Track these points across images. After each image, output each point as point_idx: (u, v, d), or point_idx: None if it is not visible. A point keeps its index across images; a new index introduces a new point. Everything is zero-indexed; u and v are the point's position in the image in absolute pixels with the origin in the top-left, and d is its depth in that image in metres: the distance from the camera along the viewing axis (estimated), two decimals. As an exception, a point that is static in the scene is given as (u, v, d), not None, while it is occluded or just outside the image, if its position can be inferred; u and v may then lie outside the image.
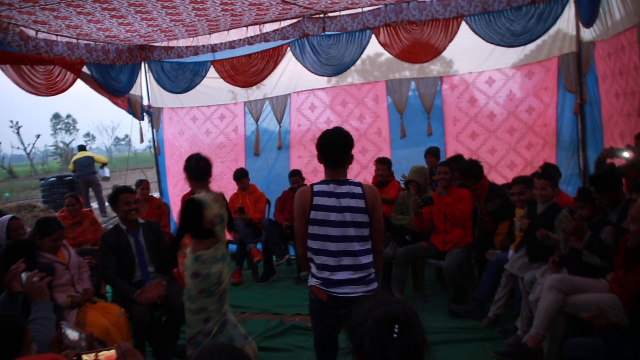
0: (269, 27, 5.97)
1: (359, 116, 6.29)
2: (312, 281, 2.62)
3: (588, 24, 4.69)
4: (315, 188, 2.59)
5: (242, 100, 6.78)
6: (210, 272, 3.11)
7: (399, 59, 5.70)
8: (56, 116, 50.25)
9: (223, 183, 6.73)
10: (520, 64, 5.62)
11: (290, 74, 6.32)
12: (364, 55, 5.85)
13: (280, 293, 5.35)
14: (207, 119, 6.91)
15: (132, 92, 6.51)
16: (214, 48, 6.26)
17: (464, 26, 5.31)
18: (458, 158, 5.27)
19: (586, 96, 5.09)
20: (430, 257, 4.69)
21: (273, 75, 6.24)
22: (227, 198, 4.43)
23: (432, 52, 5.46)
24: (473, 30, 5.29)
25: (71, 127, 50.70)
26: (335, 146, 2.57)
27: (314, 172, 6.26)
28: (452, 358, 3.55)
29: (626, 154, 3.84)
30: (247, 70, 6.19)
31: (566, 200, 4.04)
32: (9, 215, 3.96)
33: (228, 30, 6.07)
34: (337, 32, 5.75)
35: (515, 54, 5.55)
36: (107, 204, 9.76)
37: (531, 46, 5.40)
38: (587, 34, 4.93)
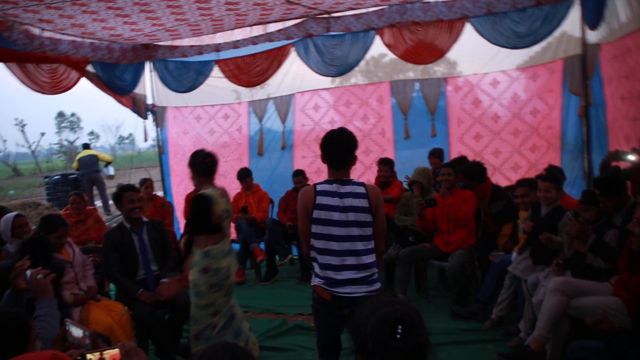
0: (273, 27, 5.97)
1: (363, 117, 6.29)
2: (316, 281, 2.62)
3: (593, 26, 4.67)
4: (319, 187, 2.60)
5: (246, 100, 6.79)
6: (220, 267, 3.14)
7: (403, 60, 5.70)
8: (61, 114, 50.38)
9: (226, 182, 6.74)
10: (525, 66, 5.61)
11: (295, 74, 6.33)
12: (368, 56, 5.84)
13: (283, 293, 5.36)
14: (211, 119, 6.92)
15: (136, 91, 6.53)
16: (218, 47, 6.27)
17: (468, 27, 5.31)
18: (462, 159, 5.26)
19: (591, 99, 5.08)
20: (434, 258, 4.68)
21: (277, 75, 6.25)
22: (231, 198, 4.44)
23: (436, 53, 5.46)
24: (478, 31, 5.28)
25: (75, 126, 50.81)
26: (339, 147, 2.57)
27: (318, 172, 6.26)
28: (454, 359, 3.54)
29: (631, 157, 3.83)
30: (251, 70, 6.19)
31: (570, 202, 4.03)
32: (14, 213, 3.98)
33: (232, 30, 6.07)
34: (342, 33, 5.75)
35: (520, 55, 5.53)
36: (111, 202, 9.81)
37: (536, 48, 5.38)
38: (592, 36, 4.91)
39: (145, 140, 7.02)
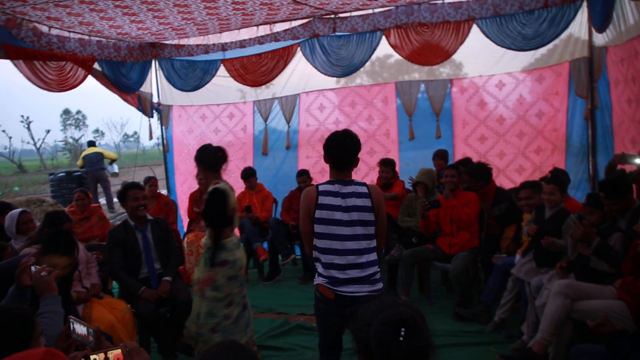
0: (279, 27, 5.98)
1: (368, 117, 6.28)
2: (319, 280, 2.63)
3: (601, 29, 4.65)
4: (321, 188, 2.62)
5: (251, 100, 6.80)
6: (237, 258, 3.22)
7: (409, 61, 5.69)
8: (66, 112, 50.66)
9: (230, 182, 6.66)
10: (531, 68, 5.59)
11: (300, 74, 6.33)
12: (373, 57, 5.84)
13: (286, 292, 5.36)
14: (216, 118, 6.94)
15: (142, 89, 6.55)
16: (224, 47, 6.29)
17: (474, 29, 5.29)
18: (466, 161, 5.25)
19: (597, 102, 5.06)
20: (437, 259, 4.67)
21: (282, 75, 6.26)
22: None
23: (442, 54, 5.45)
24: (484, 33, 5.26)
25: (81, 123, 51.09)
26: (342, 149, 2.60)
27: (322, 172, 6.26)
28: (456, 362, 3.55)
29: (638, 161, 3.81)
30: (257, 70, 6.20)
31: (574, 205, 4.02)
32: (19, 209, 4.00)
33: (239, 29, 6.09)
34: (348, 33, 5.75)
35: (526, 58, 5.52)
36: (115, 200, 9.85)
37: (542, 50, 5.37)
38: (599, 39, 4.89)
39: (151, 138, 7.05)
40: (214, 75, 6.48)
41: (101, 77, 5.91)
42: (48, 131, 40.24)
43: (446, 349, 3.69)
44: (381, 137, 6.26)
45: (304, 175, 5.81)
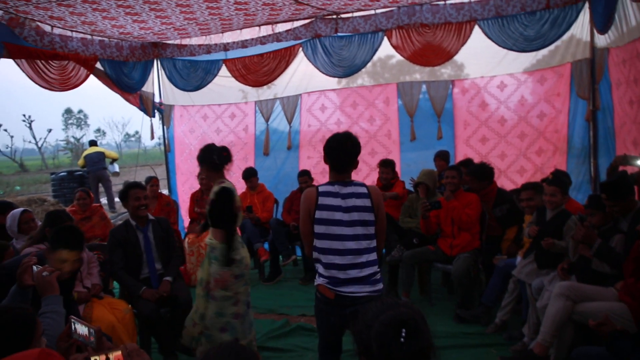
0: (281, 27, 5.99)
1: (369, 118, 6.29)
2: (320, 280, 2.63)
3: (603, 30, 4.65)
4: (321, 189, 2.65)
5: (252, 100, 6.81)
6: (242, 257, 3.28)
7: (411, 62, 5.69)
8: (68, 111, 50.75)
9: (232, 181, 6.75)
10: (532, 69, 5.59)
11: (302, 75, 6.34)
12: (374, 57, 5.84)
13: (286, 293, 5.36)
14: (217, 118, 6.94)
15: (144, 89, 6.57)
16: (226, 47, 6.29)
17: (476, 30, 5.29)
18: (468, 162, 5.25)
19: (599, 103, 5.05)
20: (438, 261, 4.67)
21: (284, 75, 6.26)
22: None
23: (444, 55, 5.45)
24: (486, 34, 5.26)
25: (82, 123, 51.19)
26: (342, 151, 2.62)
27: (323, 172, 6.26)
28: (457, 363, 3.54)
29: (639, 162, 3.81)
30: (258, 70, 6.21)
31: (575, 207, 4.02)
32: (21, 209, 4.00)
33: (241, 29, 6.09)
34: (350, 34, 5.76)
35: (528, 59, 5.51)
36: (116, 199, 9.86)
37: (544, 51, 5.37)
38: (601, 40, 4.89)
39: (152, 138, 7.06)
40: (215, 75, 6.49)
41: (103, 77, 5.92)
42: (50, 130, 40.35)
43: (447, 351, 3.68)
44: (382, 138, 6.26)
45: (305, 176, 5.81)
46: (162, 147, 7.45)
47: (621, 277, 3.06)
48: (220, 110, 6.92)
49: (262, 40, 6.08)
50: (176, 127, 7.10)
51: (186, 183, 7.03)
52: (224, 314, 3.24)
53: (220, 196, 3.23)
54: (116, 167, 11.23)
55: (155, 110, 6.89)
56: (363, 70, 5.95)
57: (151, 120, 6.84)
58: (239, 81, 6.39)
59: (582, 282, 3.26)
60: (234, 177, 6.53)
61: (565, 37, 5.14)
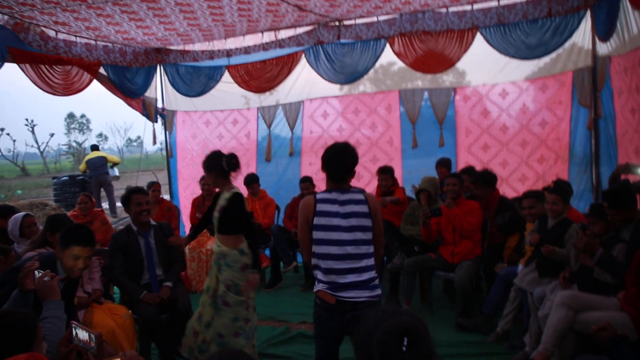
0: (284, 34, 6.02)
1: (371, 125, 6.29)
2: (319, 286, 2.64)
3: (604, 38, 4.66)
4: (318, 196, 2.70)
5: (255, 106, 6.82)
6: (250, 262, 3.39)
7: (413, 69, 5.71)
8: (70, 116, 50.91)
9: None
10: (534, 77, 5.60)
11: (304, 81, 6.36)
12: (377, 64, 5.87)
13: (287, 300, 5.34)
14: (220, 123, 6.96)
15: (147, 94, 6.59)
16: (229, 53, 6.32)
17: (478, 37, 5.32)
18: (470, 170, 5.25)
19: (601, 111, 5.05)
20: (439, 268, 4.65)
21: (287, 82, 6.29)
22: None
23: (446, 62, 5.47)
24: (488, 42, 5.29)
25: (85, 127, 51.33)
26: (340, 162, 2.69)
27: (325, 179, 6.24)
28: (458, 371, 3.53)
29: (641, 171, 3.80)
30: (261, 76, 6.23)
31: (576, 216, 4.00)
32: (23, 213, 4.01)
33: (244, 35, 6.12)
34: (352, 40, 5.78)
35: (530, 67, 5.53)
36: (118, 204, 9.86)
37: (546, 59, 5.38)
38: (603, 48, 4.90)
39: (154, 143, 7.07)
40: (218, 81, 6.52)
41: (106, 82, 5.95)
42: (52, 135, 40.47)
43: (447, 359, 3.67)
44: (384, 145, 6.27)
45: (307, 182, 5.80)
46: (164, 153, 7.46)
47: (623, 287, 3.05)
48: (223, 116, 6.94)
49: (265, 47, 6.11)
50: (178, 133, 7.12)
51: (188, 188, 7.04)
52: (238, 319, 3.33)
53: (233, 202, 3.30)
54: (116, 171, 11.24)
55: (158, 116, 6.91)
56: (365, 77, 5.98)
57: (153, 126, 6.87)
58: (242, 87, 6.42)
59: (583, 291, 3.24)
60: (236, 183, 6.53)
61: (567, 45, 5.17)
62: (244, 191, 6.11)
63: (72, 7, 4.29)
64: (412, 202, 5.26)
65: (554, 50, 5.16)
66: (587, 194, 5.34)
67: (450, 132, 5.98)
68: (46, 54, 5.04)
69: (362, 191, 2.76)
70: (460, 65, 5.62)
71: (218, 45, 6.35)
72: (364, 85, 6.48)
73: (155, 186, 5.94)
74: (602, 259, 3.16)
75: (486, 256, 4.62)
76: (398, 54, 5.64)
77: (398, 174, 6.00)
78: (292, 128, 6.58)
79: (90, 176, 10.75)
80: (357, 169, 2.79)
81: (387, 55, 5.77)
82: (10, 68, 4.84)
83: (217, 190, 3.68)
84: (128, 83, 6.16)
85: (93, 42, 5.61)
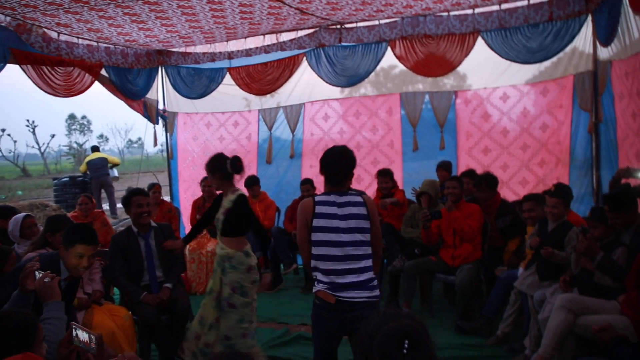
0: (285, 36, 6.03)
1: (372, 128, 6.30)
2: (319, 286, 2.66)
3: (606, 42, 4.67)
4: (317, 198, 2.73)
5: (256, 108, 6.83)
6: (255, 263, 3.46)
7: (414, 72, 5.72)
8: (71, 117, 50.97)
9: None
10: (535, 81, 5.61)
11: (305, 84, 6.37)
12: (378, 67, 5.88)
13: (287, 302, 5.34)
14: (221, 125, 6.97)
15: (148, 96, 6.60)
16: (230, 55, 6.33)
17: (479, 41, 5.33)
18: (470, 173, 5.25)
19: (601, 115, 5.05)
20: (439, 271, 4.66)
21: (288, 84, 6.30)
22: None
23: (447, 66, 5.48)
24: (489, 45, 5.29)
25: (85, 128, 51.39)
26: (337, 166, 2.72)
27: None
28: (458, 375, 3.52)
29: (642, 175, 3.80)
30: (262, 79, 6.25)
31: (576, 219, 4.00)
32: (24, 214, 4.01)
33: (245, 38, 6.14)
34: (353, 44, 5.79)
35: (531, 70, 5.54)
36: (119, 205, 9.86)
37: (547, 63, 5.39)
38: (604, 52, 4.90)
39: (155, 145, 7.08)
40: (219, 83, 6.53)
41: (108, 83, 5.96)
42: (53, 136, 40.46)
43: (448, 362, 3.67)
44: (385, 148, 6.27)
45: (308, 184, 5.81)
46: (165, 154, 7.47)
47: (623, 290, 3.05)
48: (224, 118, 6.95)
49: (267, 49, 6.12)
50: (179, 135, 7.13)
51: (188, 190, 7.04)
52: (244, 320, 3.37)
53: (239, 204, 3.34)
54: (115, 172, 11.26)
55: (159, 117, 6.92)
56: (366, 80, 5.98)
57: (154, 127, 6.87)
58: (243, 89, 6.43)
59: (584, 295, 3.24)
60: (237, 185, 6.54)
61: (568, 49, 5.17)
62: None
63: (74, 9, 4.30)
64: (412, 205, 5.26)
65: (555, 55, 5.17)
66: (587, 198, 5.33)
67: (451, 135, 5.98)
68: (48, 55, 5.05)
69: (360, 194, 2.80)
70: (461, 68, 5.63)
71: (219, 47, 6.36)
72: (365, 88, 6.49)
73: (155, 188, 5.94)
74: (602, 262, 3.16)
75: (486, 259, 4.62)
76: (399, 57, 5.65)
77: (399, 176, 6.01)
78: (293, 130, 6.59)
79: (90, 177, 10.75)
80: (358, 171, 2.82)
81: (389, 59, 5.78)
82: (11, 70, 4.85)
83: (217, 192, 3.69)
84: (129, 85, 6.18)
85: (95, 43, 5.63)
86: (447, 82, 6.15)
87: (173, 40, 5.90)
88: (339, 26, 5.78)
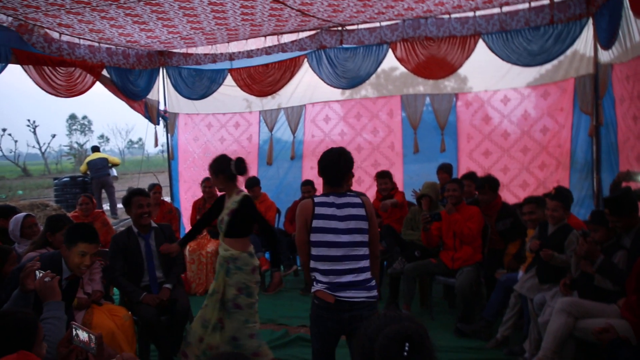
0: (287, 38, 6.04)
1: (373, 129, 6.30)
2: (318, 286, 2.66)
3: (606, 46, 4.67)
4: (316, 200, 2.75)
5: (257, 109, 6.84)
6: (258, 264, 3.49)
7: (415, 74, 5.73)
8: (72, 117, 51.02)
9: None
10: (536, 84, 5.61)
11: (306, 85, 6.38)
12: (379, 69, 5.88)
13: (287, 303, 5.33)
14: (222, 127, 6.97)
15: (149, 96, 6.61)
16: (231, 56, 6.34)
17: (480, 44, 5.33)
18: (471, 175, 5.25)
19: (602, 118, 5.05)
20: (439, 273, 4.65)
21: (289, 86, 6.30)
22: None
23: (448, 68, 5.48)
24: (490, 48, 5.30)
25: (86, 129, 51.43)
26: (335, 167, 2.74)
27: (325, 183, 6.26)
28: (458, 377, 3.52)
29: (643, 179, 3.80)
30: (263, 80, 6.25)
31: (576, 223, 3.99)
32: (24, 213, 4.01)
33: (247, 39, 6.14)
34: (354, 45, 5.80)
35: (531, 73, 5.54)
36: (119, 206, 9.86)
37: (547, 66, 5.39)
38: (605, 55, 4.90)
39: (156, 145, 7.08)
40: (220, 85, 6.53)
41: (109, 84, 5.96)
42: (54, 136, 40.54)
43: (447, 364, 3.66)
44: (385, 150, 6.27)
45: (308, 185, 5.81)
46: (165, 155, 7.48)
47: (623, 294, 3.04)
48: (225, 119, 6.95)
49: (268, 51, 6.13)
50: (180, 135, 7.13)
51: (189, 191, 7.04)
52: (249, 320, 3.39)
53: (245, 205, 3.37)
54: (114, 172, 11.27)
55: (160, 118, 6.92)
56: (367, 81, 5.99)
57: (155, 128, 6.88)
58: (244, 91, 6.44)
59: (584, 298, 3.24)
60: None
61: (569, 52, 5.17)
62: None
63: (76, 10, 4.31)
64: (412, 207, 5.26)
65: (556, 58, 5.17)
66: (588, 201, 5.33)
67: (452, 138, 5.98)
68: (49, 56, 5.05)
69: (359, 195, 2.83)
70: (462, 71, 5.63)
71: (221, 48, 6.37)
72: (366, 90, 6.50)
73: (156, 188, 5.94)
74: (602, 266, 3.15)
75: (486, 262, 4.61)
76: (400, 60, 5.66)
77: (399, 179, 6.01)
78: (293, 132, 6.59)
79: (91, 177, 10.76)
80: (358, 173, 2.83)
81: (389, 61, 5.79)
82: (12, 70, 4.86)
83: (219, 193, 3.69)
84: (130, 85, 6.18)
85: (96, 44, 5.64)
86: (448, 84, 6.15)
87: (174, 41, 5.91)
88: (340, 28, 5.79)
